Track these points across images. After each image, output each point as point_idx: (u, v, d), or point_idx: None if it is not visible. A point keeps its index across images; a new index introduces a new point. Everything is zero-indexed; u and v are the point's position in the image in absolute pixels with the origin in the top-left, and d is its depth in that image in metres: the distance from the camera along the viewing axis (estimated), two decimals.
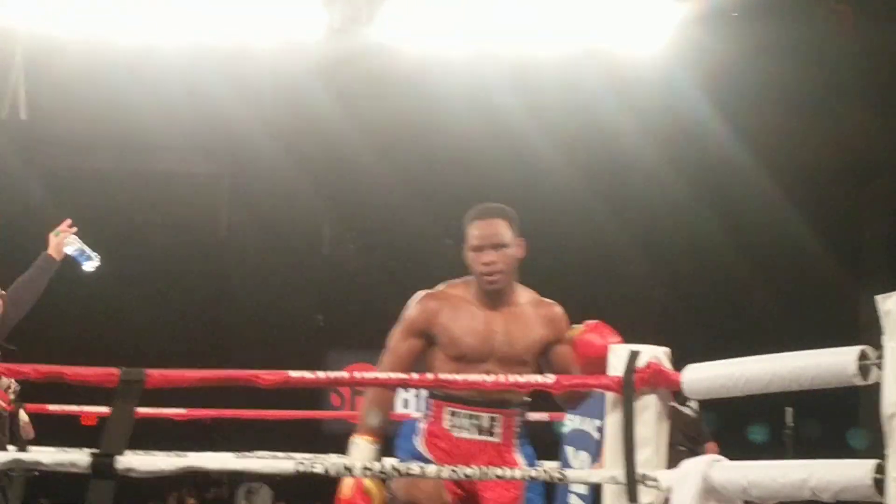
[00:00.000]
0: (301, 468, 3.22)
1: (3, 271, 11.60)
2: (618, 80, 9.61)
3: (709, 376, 3.11)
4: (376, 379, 3.43)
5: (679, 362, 3.23)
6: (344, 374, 3.36)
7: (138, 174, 11.31)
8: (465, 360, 3.58)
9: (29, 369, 3.14)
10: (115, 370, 3.18)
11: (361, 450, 3.53)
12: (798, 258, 11.40)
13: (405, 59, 9.49)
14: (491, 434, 3.57)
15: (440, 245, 11.74)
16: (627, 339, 3.32)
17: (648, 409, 3.15)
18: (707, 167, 10.98)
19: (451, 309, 3.61)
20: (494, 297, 3.61)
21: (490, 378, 3.28)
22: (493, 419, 3.57)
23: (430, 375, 3.44)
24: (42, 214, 11.23)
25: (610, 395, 3.20)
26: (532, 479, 3.26)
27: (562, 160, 10.60)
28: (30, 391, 5.02)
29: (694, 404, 6.64)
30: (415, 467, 3.17)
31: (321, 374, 3.32)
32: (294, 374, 3.38)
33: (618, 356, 3.19)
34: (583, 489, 5.92)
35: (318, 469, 3.13)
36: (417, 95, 9.96)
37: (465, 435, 3.58)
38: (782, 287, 11.72)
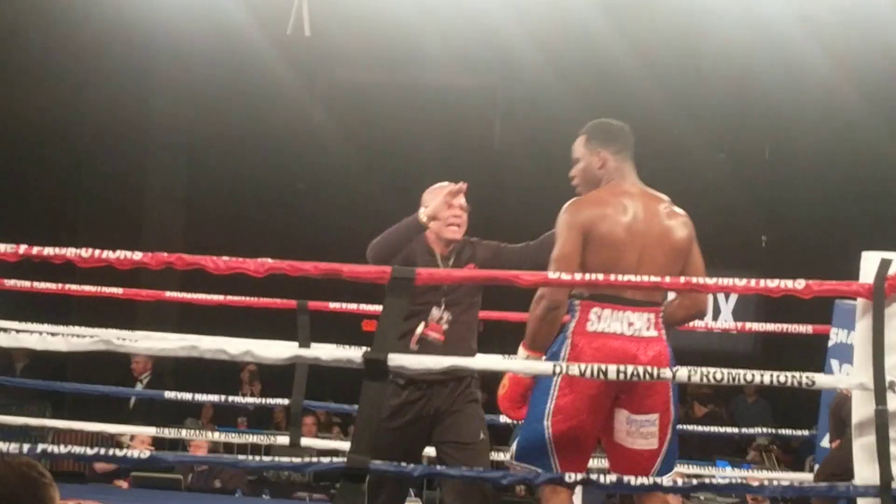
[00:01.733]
0: (559, 370, 3.43)
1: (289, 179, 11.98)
2: None
3: None
4: (645, 281, 3.59)
5: None
6: (598, 276, 3.50)
7: (414, 88, 11.58)
8: None
9: (310, 266, 3.43)
10: (387, 268, 3.43)
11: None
12: None
13: None
14: None
15: (713, 159, 11.61)
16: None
17: None
18: None
19: None
20: None
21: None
22: None
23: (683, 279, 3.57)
24: (324, 128, 11.75)
25: (861, 302, 3.24)
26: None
27: (835, 73, 10.26)
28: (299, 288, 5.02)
29: None
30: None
31: (577, 276, 3.49)
32: (552, 275, 3.58)
33: (870, 263, 3.21)
34: None
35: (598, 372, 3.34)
36: (687, 9, 9.85)
37: None
38: None
